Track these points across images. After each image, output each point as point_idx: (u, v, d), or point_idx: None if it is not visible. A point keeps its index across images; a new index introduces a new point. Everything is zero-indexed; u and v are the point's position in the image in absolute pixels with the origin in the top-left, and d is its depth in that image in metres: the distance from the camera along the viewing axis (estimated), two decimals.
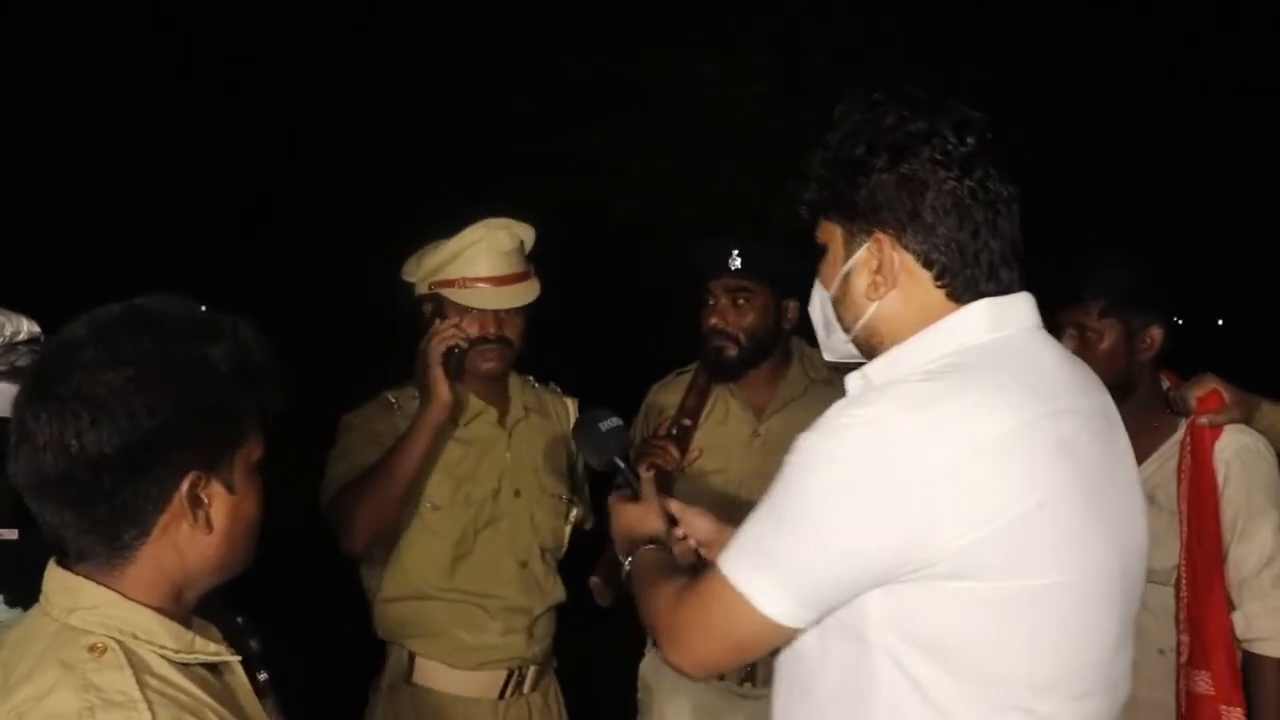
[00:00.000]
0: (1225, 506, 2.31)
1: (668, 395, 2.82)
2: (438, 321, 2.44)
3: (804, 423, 2.69)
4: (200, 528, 1.23)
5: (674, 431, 2.63)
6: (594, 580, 2.52)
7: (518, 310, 2.51)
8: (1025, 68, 8.64)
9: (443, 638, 2.48)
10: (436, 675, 2.48)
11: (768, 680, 2.64)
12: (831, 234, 1.46)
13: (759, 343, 2.67)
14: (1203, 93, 9.85)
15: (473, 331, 2.45)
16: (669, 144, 9.24)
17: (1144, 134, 9.00)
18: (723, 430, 2.71)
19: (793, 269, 2.69)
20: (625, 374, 3.03)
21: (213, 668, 1.29)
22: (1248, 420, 2.37)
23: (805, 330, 2.79)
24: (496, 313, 2.48)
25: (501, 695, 2.50)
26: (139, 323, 1.22)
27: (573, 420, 2.73)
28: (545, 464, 2.62)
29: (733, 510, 2.59)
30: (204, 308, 1.29)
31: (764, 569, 1.34)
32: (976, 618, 1.29)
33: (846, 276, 1.44)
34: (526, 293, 2.51)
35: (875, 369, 1.42)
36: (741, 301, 2.65)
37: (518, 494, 2.56)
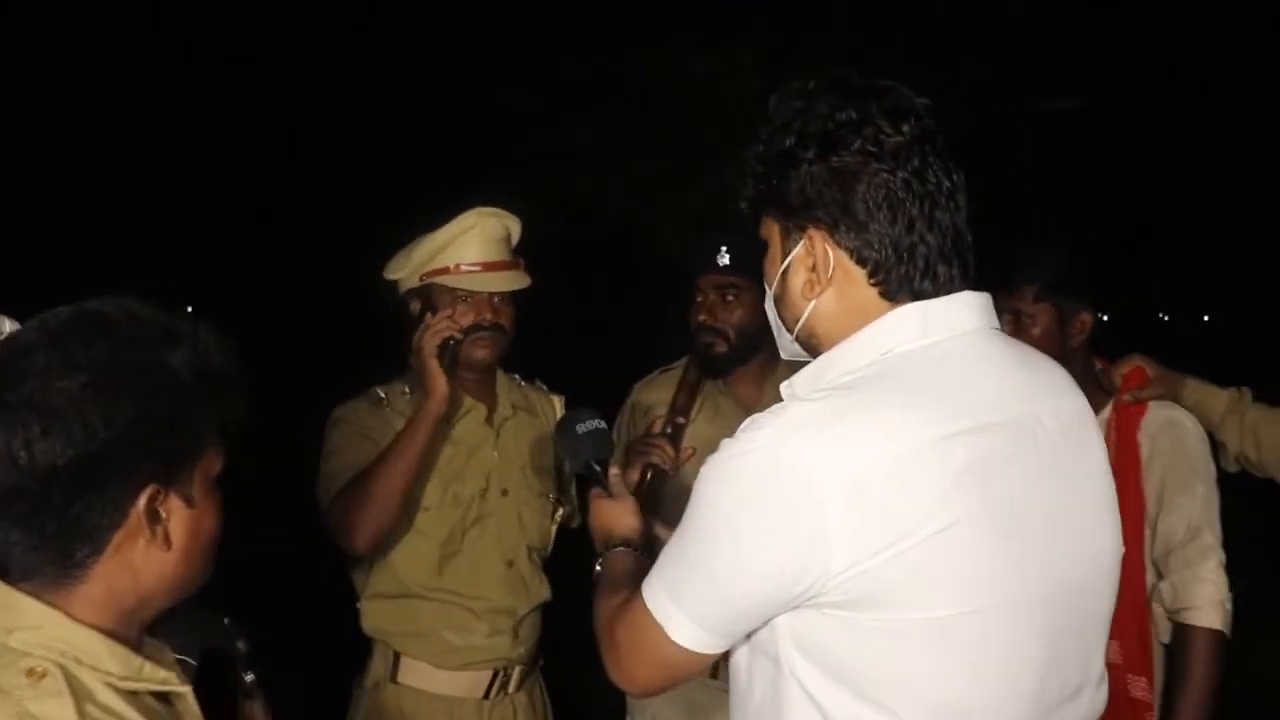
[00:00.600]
0: (1149, 479, 2.35)
1: (653, 393, 2.80)
2: (429, 315, 2.43)
3: None
4: (158, 544, 1.17)
5: (669, 430, 2.61)
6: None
7: (509, 299, 2.52)
8: (1025, 67, 8.64)
9: (429, 638, 2.46)
10: (422, 675, 2.47)
11: None
12: (770, 230, 1.40)
13: (748, 339, 2.65)
14: (1202, 92, 9.85)
15: (466, 321, 2.43)
16: (665, 142, 9.25)
17: (1144, 134, 8.99)
18: (713, 428, 2.67)
19: None
20: (621, 370, 3.02)
21: (162, 695, 1.22)
22: (1175, 398, 2.42)
23: None
24: (490, 300, 2.48)
25: (486, 695, 2.49)
26: (93, 327, 1.15)
27: (559, 417, 2.72)
28: (532, 463, 2.61)
29: None
30: (189, 309, 1.24)
31: (673, 598, 1.33)
32: (877, 647, 1.23)
33: (784, 274, 1.38)
34: (519, 279, 2.52)
35: (800, 378, 1.36)
36: (730, 298, 2.64)
37: (505, 493, 2.54)
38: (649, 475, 2.52)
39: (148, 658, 1.20)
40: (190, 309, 1.27)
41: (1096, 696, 1.37)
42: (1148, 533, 2.35)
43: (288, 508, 2.44)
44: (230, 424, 1.23)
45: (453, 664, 2.46)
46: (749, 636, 1.35)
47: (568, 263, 10.02)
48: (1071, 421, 1.34)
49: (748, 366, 2.70)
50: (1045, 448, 1.29)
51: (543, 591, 2.59)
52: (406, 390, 2.50)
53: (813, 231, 1.33)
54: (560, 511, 2.65)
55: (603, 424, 1.95)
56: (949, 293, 1.32)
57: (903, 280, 1.31)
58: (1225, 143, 10.21)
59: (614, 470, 1.86)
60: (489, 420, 2.57)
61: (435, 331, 2.37)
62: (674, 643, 1.33)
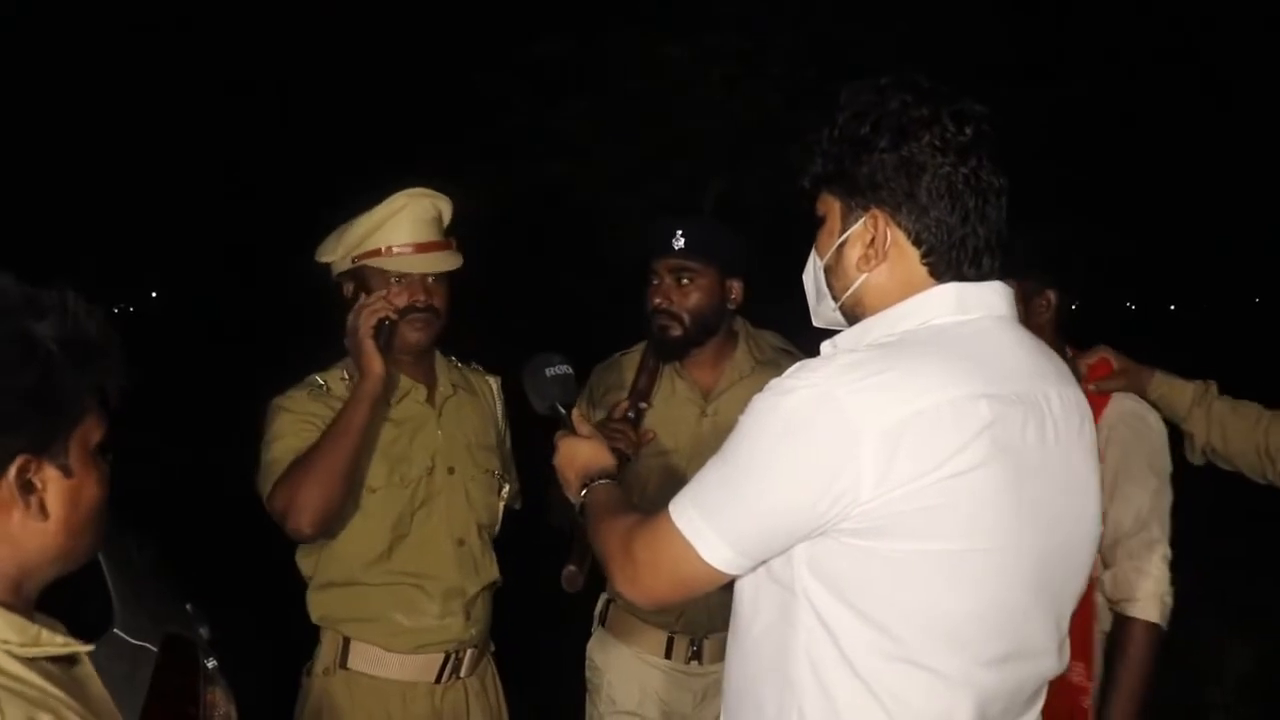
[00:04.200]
0: (1104, 469, 2.37)
1: (612, 375, 2.82)
2: (364, 295, 2.43)
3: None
4: (34, 515, 1.17)
5: (631, 415, 2.63)
6: (570, 569, 2.46)
7: (443, 280, 2.50)
8: (992, 51, 8.66)
9: (379, 621, 2.44)
10: (372, 660, 2.44)
11: (714, 659, 2.71)
12: (830, 206, 1.54)
13: (703, 322, 2.67)
14: (1174, 86, 9.92)
15: (400, 302, 2.42)
16: (636, 127, 9.23)
17: (1112, 124, 9.04)
18: (670, 410, 2.71)
19: (737, 248, 2.73)
20: (590, 353, 3.03)
21: (59, 660, 1.22)
22: (1141, 390, 2.44)
23: (750, 310, 2.80)
24: (424, 281, 2.46)
25: (438, 679, 2.47)
26: None
27: (498, 398, 2.74)
28: (476, 440, 2.60)
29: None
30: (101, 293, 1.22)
31: (707, 518, 1.43)
32: (886, 573, 1.37)
33: (841, 247, 1.52)
34: (452, 259, 2.50)
35: (844, 338, 1.52)
36: (685, 281, 2.64)
37: (451, 471, 2.53)
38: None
39: (43, 627, 1.20)
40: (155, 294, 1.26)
41: (1056, 662, 1.51)
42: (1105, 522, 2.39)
43: (250, 492, 2.42)
44: (110, 392, 1.23)
45: (404, 646, 2.44)
46: (761, 565, 1.45)
47: (538, 246, 10.02)
48: (1072, 408, 1.49)
49: (703, 349, 2.71)
50: (1050, 426, 1.44)
51: (493, 570, 2.58)
52: (345, 376, 2.48)
53: (876, 211, 1.48)
54: (506, 489, 2.64)
55: (569, 369, 2.02)
56: (986, 280, 1.48)
57: (951, 263, 1.46)
58: (1195, 135, 10.30)
59: (577, 412, 1.95)
60: (430, 400, 2.56)
61: (370, 312, 2.37)
62: (702, 560, 1.43)
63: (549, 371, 2.00)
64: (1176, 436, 2.48)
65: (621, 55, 9.07)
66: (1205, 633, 4.42)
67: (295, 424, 2.41)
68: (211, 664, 2.67)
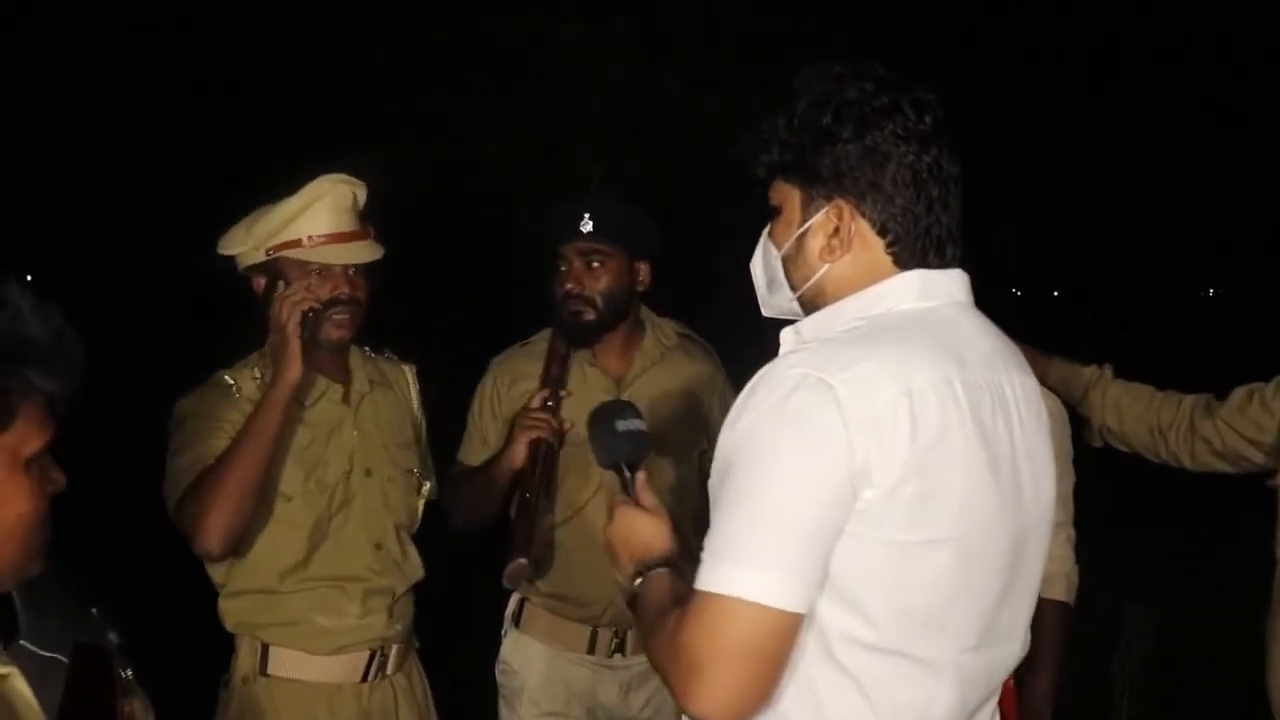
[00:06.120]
0: None
1: (516, 366, 2.75)
2: (282, 285, 2.30)
3: (664, 389, 2.69)
4: None
5: (550, 404, 2.58)
6: (518, 563, 2.43)
7: (363, 271, 2.39)
8: (900, 33, 8.74)
9: (299, 625, 2.33)
10: (294, 664, 2.34)
11: (638, 650, 2.65)
12: (787, 196, 1.51)
13: (615, 306, 2.63)
14: (1059, 72, 10.16)
15: (323, 293, 2.31)
16: (537, 107, 9.16)
17: (994, 110, 9.20)
18: (582, 397, 2.63)
19: (645, 231, 2.70)
20: (491, 338, 2.98)
21: None
22: (1041, 377, 2.48)
23: (655, 294, 2.76)
24: (345, 272, 2.35)
25: (365, 678, 2.39)
26: None
27: (414, 386, 2.64)
28: (394, 439, 2.51)
29: (608, 481, 2.48)
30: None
31: (735, 560, 1.31)
32: (872, 562, 1.34)
33: (801, 238, 1.50)
34: (373, 249, 2.40)
35: (807, 325, 1.50)
36: (596, 265, 2.60)
37: (369, 473, 2.43)
38: (540, 451, 2.53)
39: None
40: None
41: (1022, 648, 1.52)
42: None
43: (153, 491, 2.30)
44: (57, 398, 1.13)
45: (326, 648, 2.35)
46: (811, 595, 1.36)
47: (438, 229, 9.89)
48: (1031, 396, 1.51)
49: (614, 335, 2.68)
50: (1015, 413, 1.45)
51: (415, 569, 2.50)
52: (258, 375, 2.34)
53: (840, 201, 1.46)
54: (426, 486, 2.57)
55: (643, 426, 1.76)
56: (948, 268, 1.48)
57: (916, 252, 1.46)
58: (1074, 121, 10.58)
59: (643, 476, 1.69)
60: (346, 399, 2.45)
61: (294, 303, 2.24)
62: (767, 609, 1.29)
63: (620, 425, 1.74)
64: (1078, 422, 2.55)
65: (524, 34, 8.99)
66: (1109, 608, 4.57)
67: (203, 430, 2.27)
68: (128, 673, 2.55)
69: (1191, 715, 4.29)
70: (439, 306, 10.51)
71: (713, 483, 1.41)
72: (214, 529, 2.18)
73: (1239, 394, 2.39)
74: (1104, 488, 2.77)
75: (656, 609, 1.47)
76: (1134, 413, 2.48)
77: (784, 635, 1.31)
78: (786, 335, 1.52)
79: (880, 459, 1.31)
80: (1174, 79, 10.63)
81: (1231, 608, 2.65)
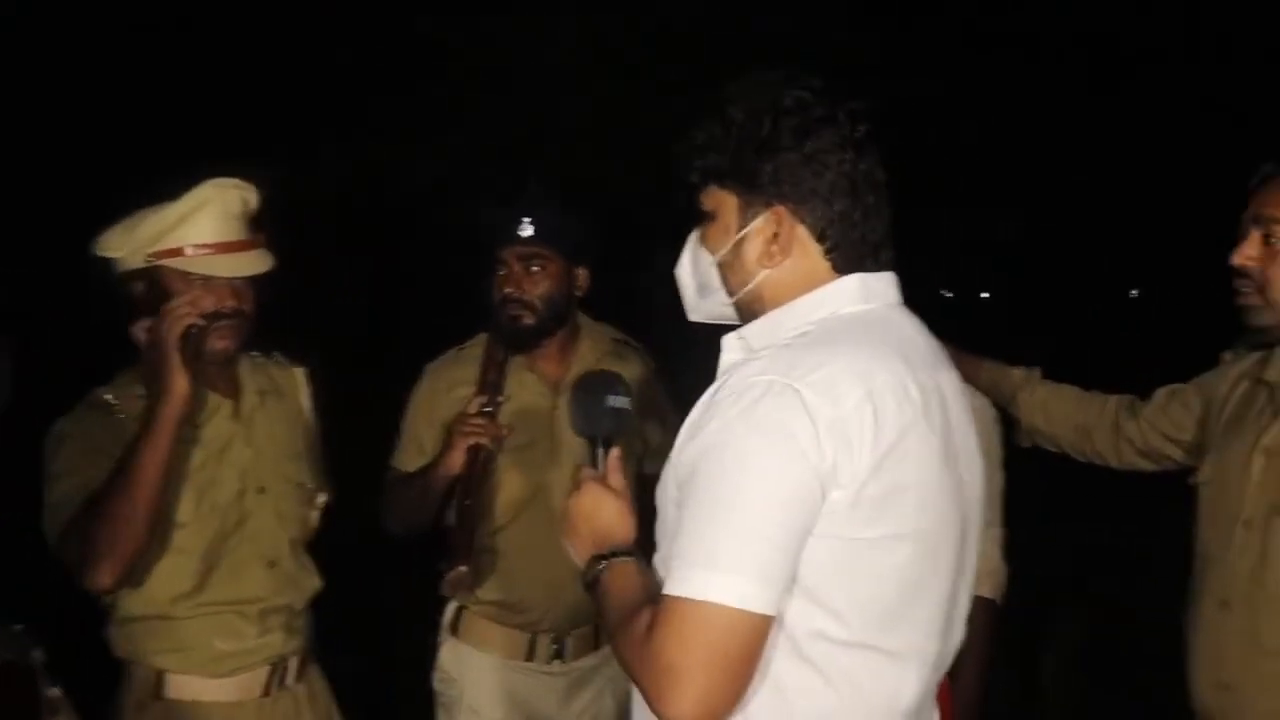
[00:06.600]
0: None
1: (453, 372, 2.73)
2: (162, 297, 2.15)
3: None
4: None
5: (488, 410, 2.57)
6: (459, 571, 2.41)
7: (249, 282, 2.27)
8: (840, 35, 8.79)
9: (195, 650, 2.24)
10: (191, 687, 2.25)
11: (576, 655, 2.68)
12: (724, 202, 1.53)
13: (555, 310, 2.63)
14: (993, 75, 10.29)
15: (208, 306, 2.18)
16: (476, 110, 9.12)
17: (923, 115, 9.28)
18: (520, 404, 2.66)
19: (583, 235, 2.70)
20: (425, 343, 2.96)
21: None
22: (971, 378, 2.48)
23: (592, 299, 2.75)
24: (231, 283, 2.23)
25: (266, 693, 2.32)
26: None
27: (304, 390, 2.54)
28: (286, 451, 2.41)
29: (547, 486, 2.61)
30: None
31: (707, 565, 1.32)
32: (839, 560, 1.37)
33: (739, 244, 1.52)
34: (263, 260, 2.28)
35: (752, 332, 1.52)
36: (535, 269, 2.60)
37: (262, 490, 2.33)
38: (479, 457, 2.52)
39: None
40: None
41: (963, 636, 1.58)
42: None
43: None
44: None
45: (224, 670, 2.27)
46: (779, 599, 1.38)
47: (370, 232, 9.81)
48: (958, 393, 1.55)
49: (552, 339, 2.68)
50: (953, 411, 1.50)
51: (313, 582, 2.43)
52: (140, 392, 2.19)
53: (779, 207, 1.48)
54: (321, 498, 2.46)
55: (629, 404, 1.72)
56: (882, 271, 1.52)
57: (853, 258, 1.49)
58: (1002, 124, 10.73)
59: (615, 453, 1.68)
60: (236, 414, 2.34)
61: (176, 319, 2.09)
62: (736, 611, 1.31)
63: (611, 400, 1.70)
64: (1009, 423, 2.60)
65: (465, 36, 8.95)
66: (1038, 606, 4.66)
67: (83, 456, 2.13)
68: (55, 691, 2.48)
69: (1118, 711, 4.38)
70: (368, 310, 10.42)
71: (669, 489, 1.44)
72: (103, 564, 2.04)
73: (1161, 394, 2.45)
74: (1033, 486, 2.82)
75: (623, 602, 1.46)
76: (1061, 413, 2.54)
77: (757, 638, 1.34)
78: (730, 341, 1.55)
79: (847, 461, 1.34)
80: (1090, 79, 10.86)
81: (1156, 603, 2.71)
